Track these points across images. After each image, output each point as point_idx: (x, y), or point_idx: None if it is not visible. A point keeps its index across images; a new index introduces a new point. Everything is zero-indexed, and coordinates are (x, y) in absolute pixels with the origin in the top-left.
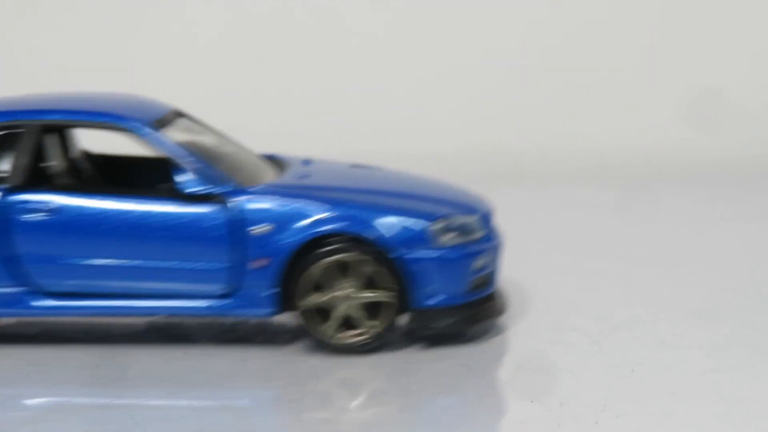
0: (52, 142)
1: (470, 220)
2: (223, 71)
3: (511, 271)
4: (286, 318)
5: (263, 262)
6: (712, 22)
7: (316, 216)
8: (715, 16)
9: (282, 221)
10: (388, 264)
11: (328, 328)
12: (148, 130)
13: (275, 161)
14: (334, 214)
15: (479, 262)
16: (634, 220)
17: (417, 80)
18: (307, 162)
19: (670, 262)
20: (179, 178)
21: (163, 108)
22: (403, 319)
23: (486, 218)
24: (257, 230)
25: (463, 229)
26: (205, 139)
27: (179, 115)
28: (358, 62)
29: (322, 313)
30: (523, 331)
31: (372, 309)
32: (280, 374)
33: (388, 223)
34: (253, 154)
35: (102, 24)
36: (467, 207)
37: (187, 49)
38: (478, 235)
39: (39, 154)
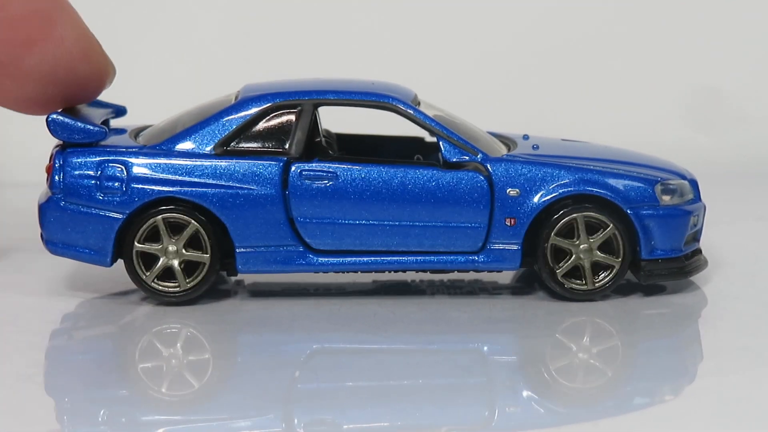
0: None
1: (684, 183)
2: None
3: None
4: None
5: (513, 221)
6: (712, 22)
7: (559, 180)
8: (716, 16)
9: (530, 185)
10: (621, 221)
11: (560, 271)
12: (412, 108)
13: (498, 136)
14: (573, 179)
15: (692, 221)
16: None
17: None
18: (526, 137)
19: None
20: (440, 148)
21: (410, 90)
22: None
23: (694, 183)
24: (512, 192)
25: (679, 192)
26: (446, 116)
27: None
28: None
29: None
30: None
31: (599, 265)
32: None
33: (619, 185)
34: (481, 129)
35: None
36: (678, 173)
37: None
38: (690, 196)
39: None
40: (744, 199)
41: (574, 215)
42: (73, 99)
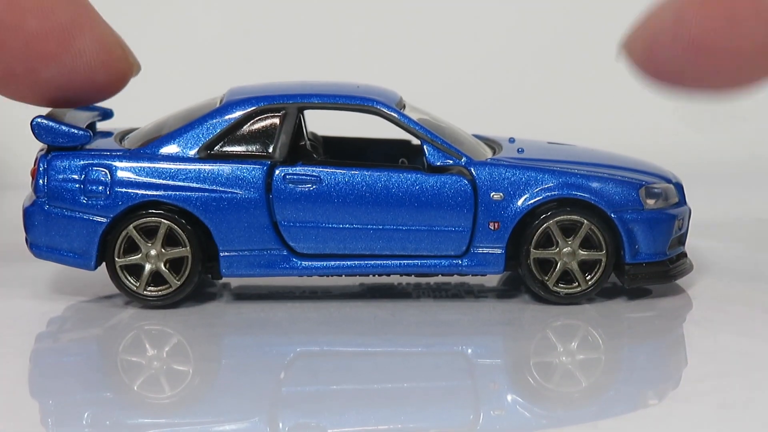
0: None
1: (669, 186)
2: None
3: None
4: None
5: (497, 224)
6: None
7: (543, 184)
8: None
9: (514, 189)
10: (604, 224)
11: (551, 281)
12: (396, 111)
13: (484, 139)
14: (557, 182)
15: (677, 224)
16: None
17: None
18: (512, 140)
19: None
20: (424, 152)
21: (395, 94)
22: (612, 274)
23: (679, 186)
24: (496, 196)
25: (663, 195)
26: (431, 119)
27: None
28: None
29: (543, 268)
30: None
31: (586, 264)
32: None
33: (603, 189)
34: (466, 132)
35: None
36: (664, 176)
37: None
38: (675, 200)
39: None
40: (744, 199)
41: (546, 224)
42: (91, 100)
